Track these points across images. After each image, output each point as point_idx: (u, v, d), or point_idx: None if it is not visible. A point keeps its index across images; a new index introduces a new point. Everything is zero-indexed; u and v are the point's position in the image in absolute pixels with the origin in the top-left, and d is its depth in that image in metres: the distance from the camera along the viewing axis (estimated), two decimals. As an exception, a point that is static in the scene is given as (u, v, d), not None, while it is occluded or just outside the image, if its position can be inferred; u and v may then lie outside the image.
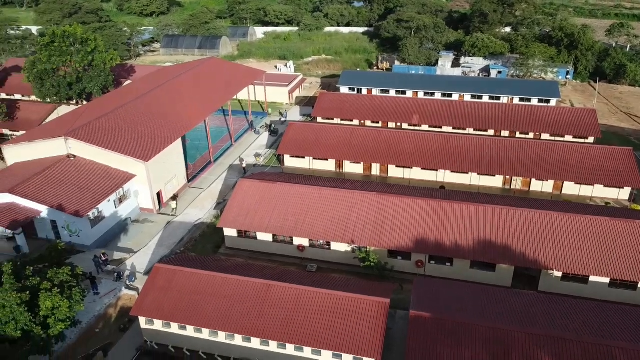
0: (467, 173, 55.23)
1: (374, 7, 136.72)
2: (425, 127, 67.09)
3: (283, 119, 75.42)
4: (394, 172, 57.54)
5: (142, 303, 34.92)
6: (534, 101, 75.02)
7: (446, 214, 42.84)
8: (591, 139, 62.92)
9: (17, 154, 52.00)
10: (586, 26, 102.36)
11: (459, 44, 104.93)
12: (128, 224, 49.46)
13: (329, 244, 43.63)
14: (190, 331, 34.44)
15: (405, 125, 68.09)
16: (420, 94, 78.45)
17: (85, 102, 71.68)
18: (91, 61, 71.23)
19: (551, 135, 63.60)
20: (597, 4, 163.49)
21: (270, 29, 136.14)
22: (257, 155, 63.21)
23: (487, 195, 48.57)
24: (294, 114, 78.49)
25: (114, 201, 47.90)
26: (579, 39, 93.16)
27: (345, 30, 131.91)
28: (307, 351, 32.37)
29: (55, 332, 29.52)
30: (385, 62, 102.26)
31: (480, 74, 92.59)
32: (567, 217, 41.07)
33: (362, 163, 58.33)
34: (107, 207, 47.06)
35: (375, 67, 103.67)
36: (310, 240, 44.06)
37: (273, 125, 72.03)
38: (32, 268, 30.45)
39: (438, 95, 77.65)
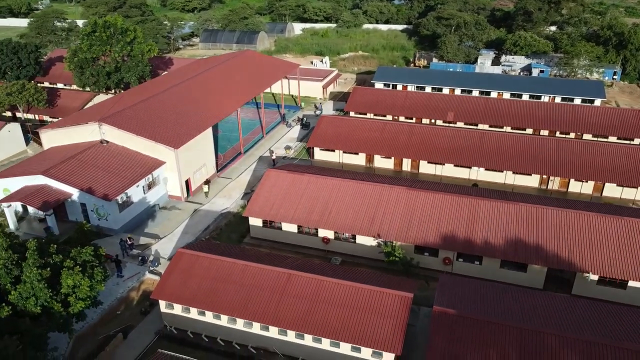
0: (502, 171, 53.32)
1: (414, 5, 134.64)
2: (460, 125, 65.25)
3: (318, 112, 74.90)
4: (426, 168, 56.12)
5: (163, 287, 34.92)
6: (577, 101, 71.94)
7: (477, 211, 41.32)
8: (637, 141, 59.82)
9: (54, 138, 53.17)
10: (637, 25, 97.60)
11: (500, 42, 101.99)
12: (156, 210, 49.82)
13: (354, 237, 42.77)
14: (209, 317, 34.20)
15: (439, 122, 66.42)
16: (457, 92, 76.45)
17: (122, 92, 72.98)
18: (130, 51, 72.48)
19: (594, 136, 60.81)
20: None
21: (308, 25, 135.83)
22: (287, 148, 62.83)
23: (521, 195, 46.68)
24: (327, 109, 77.80)
25: (143, 187, 48.30)
26: (628, 37, 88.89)
27: (383, 27, 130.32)
28: (325, 343, 31.63)
29: (76, 310, 29.71)
30: (422, 60, 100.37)
31: (522, 73, 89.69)
32: (605, 219, 38.92)
33: (392, 158, 57.16)
34: (135, 193, 47.50)
35: (413, 65, 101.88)
36: (335, 232, 43.29)
37: (305, 118, 71.55)
38: (55, 246, 30.70)
39: (475, 94, 75.46)
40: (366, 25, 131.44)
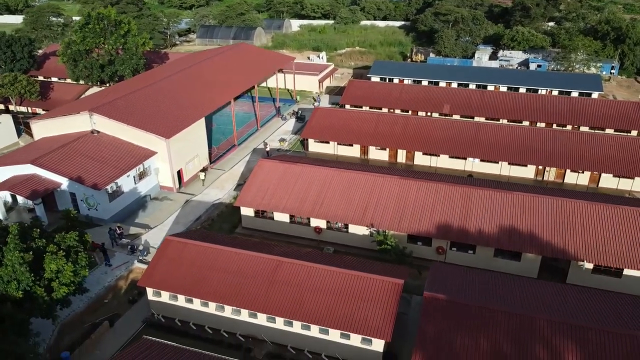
0: (497, 162, 52.76)
1: (411, 1, 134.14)
2: (456, 117, 64.69)
3: (316, 104, 74.38)
4: (421, 159, 55.55)
5: (150, 274, 34.37)
6: (574, 94, 71.37)
7: (470, 200, 40.77)
8: (634, 133, 59.26)
9: (44, 129, 52.62)
10: (635, 19, 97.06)
11: (498, 37, 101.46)
12: (147, 201, 49.25)
13: (347, 226, 42.20)
14: (197, 305, 33.62)
15: (436, 115, 65.85)
16: (454, 86, 75.90)
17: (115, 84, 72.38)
18: (124, 44, 71.90)
19: (591, 129, 60.22)
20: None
21: (306, 21, 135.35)
22: (282, 140, 62.25)
23: (515, 184, 46.13)
24: (323, 103, 77.27)
25: (134, 177, 47.72)
26: (626, 32, 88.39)
27: (381, 24, 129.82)
28: (314, 329, 31.05)
29: (59, 295, 29.15)
30: (419, 55, 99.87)
31: (519, 68, 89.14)
32: (600, 207, 38.38)
33: (387, 150, 56.58)
34: (126, 183, 46.91)
35: (410, 60, 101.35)
36: (327, 222, 42.74)
37: (300, 111, 71.01)
38: (39, 230, 30.16)
39: (472, 87, 74.88)
40: (364, 22, 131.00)
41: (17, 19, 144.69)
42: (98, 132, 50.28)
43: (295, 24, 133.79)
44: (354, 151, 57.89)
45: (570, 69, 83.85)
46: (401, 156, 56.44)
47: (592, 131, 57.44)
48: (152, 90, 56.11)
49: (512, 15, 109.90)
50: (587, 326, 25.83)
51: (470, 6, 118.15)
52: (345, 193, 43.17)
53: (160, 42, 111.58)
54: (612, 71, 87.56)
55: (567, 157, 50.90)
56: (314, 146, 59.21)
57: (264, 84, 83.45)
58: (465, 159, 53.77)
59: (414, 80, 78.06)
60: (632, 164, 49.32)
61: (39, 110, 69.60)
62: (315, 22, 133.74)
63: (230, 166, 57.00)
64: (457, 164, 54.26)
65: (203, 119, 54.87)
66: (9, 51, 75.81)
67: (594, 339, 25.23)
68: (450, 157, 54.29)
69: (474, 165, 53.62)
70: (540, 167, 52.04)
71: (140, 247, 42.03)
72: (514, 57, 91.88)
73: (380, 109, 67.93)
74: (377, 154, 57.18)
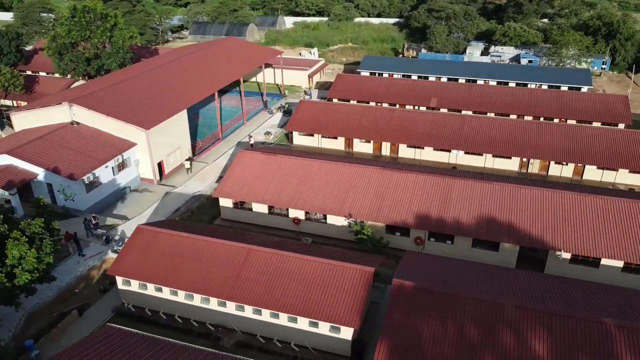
0: (482, 155, 52.27)
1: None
2: (444, 111, 64.16)
3: (307, 97, 73.92)
4: (405, 152, 55.09)
5: (120, 263, 33.89)
6: (564, 89, 70.83)
7: (449, 191, 40.33)
8: (621, 127, 58.72)
9: (24, 120, 52.14)
10: (627, 14, 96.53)
11: (490, 34, 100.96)
12: (126, 193, 48.76)
13: (325, 217, 41.73)
14: (166, 294, 33.14)
15: (423, 109, 65.32)
16: (443, 80, 75.35)
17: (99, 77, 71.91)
18: (110, 38, 71.40)
19: (578, 122, 59.68)
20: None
21: (300, 19, 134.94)
22: (267, 133, 61.77)
23: (495, 175, 45.67)
24: (313, 98, 76.74)
25: (113, 168, 47.23)
26: (617, 27, 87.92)
27: (375, 20, 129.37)
28: (283, 318, 30.55)
29: (21, 282, 28.64)
30: (411, 50, 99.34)
31: (510, 63, 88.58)
32: (578, 197, 37.90)
33: (372, 142, 56.12)
34: (104, 174, 46.42)
35: (401, 55, 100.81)
36: (306, 213, 42.26)
37: (287, 105, 70.55)
38: (2, 216, 29.66)
39: (462, 82, 74.33)
40: (358, 19, 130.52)
41: (10, 16, 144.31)
42: (78, 123, 49.82)
43: (289, 21, 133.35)
44: (339, 144, 57.42)
45: (561, 64, 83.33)
46: (386, 149, 55.97)
47: (577, 124, 56.88)
48: (134, 83, 55.64)
49: (505, 11, 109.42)
50: (553, 312, 25.30)
51: (464, 3, 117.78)
52: (324, 184, 42.71)
53: (152, 38, 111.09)
54: (603, 66, 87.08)
55: (550, 148, 50.43)
56: (299, 139, 58.73)
57: (253, 79, 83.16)
58: (449, 151, 53.29)
59: (403, 75, 77.58)
60: (615, 155, 48.83)
61: (24, 104, 69.05)
62: (309, 19, 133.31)
63: (214, 159, 56.52)
64: (441, 157, 53.78)
65: (185, 111, 54.37)
66: (-4, 45, 75.36)
67: (561, 325, 24.70)
68: (434, 149, 53.85)
69: (458, 157, 53.15)
70: (525, 160, 51.56)
71: (116, 238, 41.54)
72: (506, 52, 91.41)
73: (368, 102, 67.44)
74: (362, 147, 56.71)
